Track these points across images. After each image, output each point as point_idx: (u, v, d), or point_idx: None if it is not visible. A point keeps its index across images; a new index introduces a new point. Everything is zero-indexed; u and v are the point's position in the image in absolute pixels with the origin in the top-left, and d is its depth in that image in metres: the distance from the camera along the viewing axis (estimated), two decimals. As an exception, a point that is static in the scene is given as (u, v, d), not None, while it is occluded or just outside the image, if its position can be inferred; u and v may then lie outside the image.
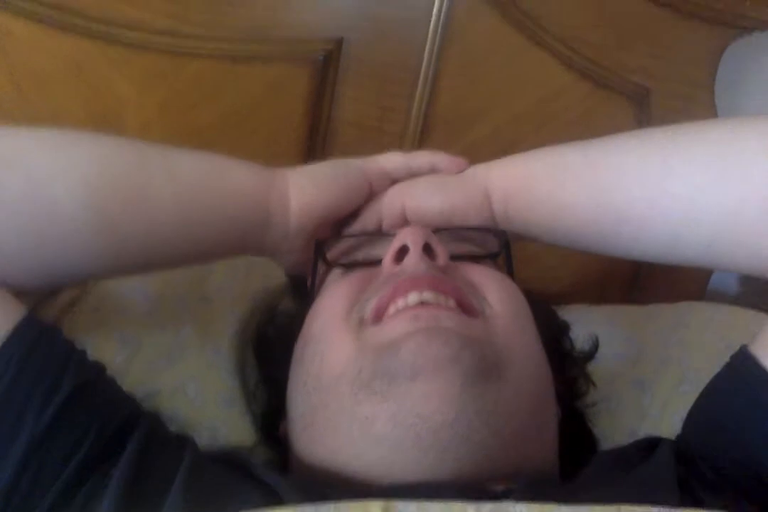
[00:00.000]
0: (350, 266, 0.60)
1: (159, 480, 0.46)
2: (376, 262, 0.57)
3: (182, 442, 0.53)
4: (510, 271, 0.60)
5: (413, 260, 0.54)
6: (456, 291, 0.53)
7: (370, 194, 0.63)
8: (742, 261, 0.52)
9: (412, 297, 0.51)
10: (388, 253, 0.56)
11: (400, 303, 0.51)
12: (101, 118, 0.82)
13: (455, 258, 0.57)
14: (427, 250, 0.55)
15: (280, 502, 0.43)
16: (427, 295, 0.51)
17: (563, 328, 0.70)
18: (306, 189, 0.60)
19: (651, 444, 0.53)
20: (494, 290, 0.55)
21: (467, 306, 0.53)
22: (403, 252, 0.55)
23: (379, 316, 0.52)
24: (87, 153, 0.53)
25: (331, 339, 0.52)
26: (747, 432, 0.48)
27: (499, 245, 0.60)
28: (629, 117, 0.93)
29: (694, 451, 0.50)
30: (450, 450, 0.46)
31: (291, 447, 0.55)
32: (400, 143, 0.90)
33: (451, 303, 0.52)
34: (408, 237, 0.55)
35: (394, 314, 0.51)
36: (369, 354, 0.49)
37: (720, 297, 0.90)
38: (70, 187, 0.51)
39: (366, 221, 0.62)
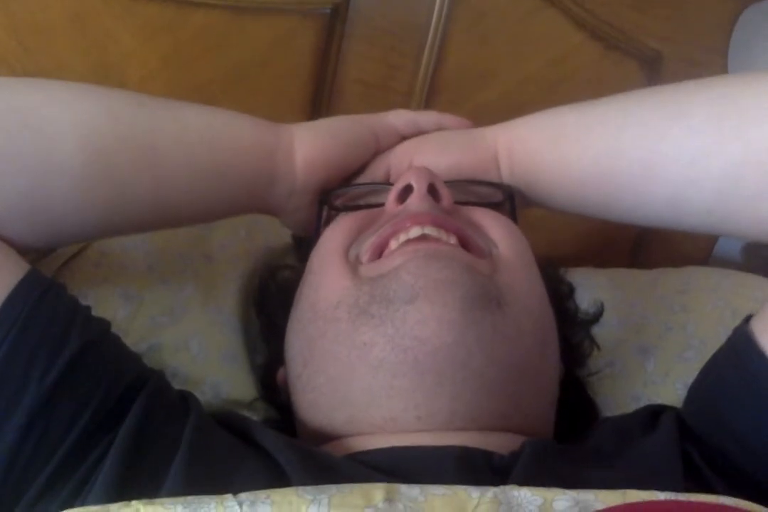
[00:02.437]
0: (353, 209, 0.59)
1: (161, 449, 0.45)
2: (380, 206, 0.57)
3: (186, 406, 0.52)
4: (514, 222, 0.59)
5: (417, 199, 0.53)
6: (459, 230, 0.53)
7: (377, 151, 0.62)
8: (744, 226, 0.51)
9: (414, 231, 0.51)
10: (391, 192, 0.56)
11: (402, 237, 0.52)
12: (103, 71, 0.80)
13: (460, 203, 0.57)
14: (432, 191, 0.54)
15: (282, 474, 0.43)
16: (430, 230, 0.51)
17: (568, 290, 0.70)
18: (311, 143, 0.59)
19: (654, 413, 0.53)
20: (498, 230, 0.55)
21: (472, 246, 0.53)
22: (406, 192, 0.55)
23: (377, 253, 0.52)
24: (97, 109, 0.52)
25: (328, 273, 0.52)
26: (739, 416, 0.47)
27: (504, 196, 0.59)
28: (641, 80, 0.92)
29: (695, 427, 0.50)
30: (448, 375, 0.46)
31: (290, 392, 0.55)
32: (406, 102, 0.89)
33: (453, 240, 0.52)
34: (412, 177, 0.54)
35: (394, 249, 0.51)
36: (366, 284, 0.49)
37: (725, 264, 0.89)
38: (81, 143, 0.50)
39: (373, 174, 0.62)
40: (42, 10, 0.76)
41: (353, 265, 0.53)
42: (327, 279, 0.52)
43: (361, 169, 0.62)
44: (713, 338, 0.64)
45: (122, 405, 0.47)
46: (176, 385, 0.56)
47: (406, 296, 0.47)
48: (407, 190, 0.55)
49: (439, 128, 0.63)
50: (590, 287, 0.76)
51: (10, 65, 0.77)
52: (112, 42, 0.80)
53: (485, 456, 0.45)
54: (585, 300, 0.72)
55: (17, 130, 0.49)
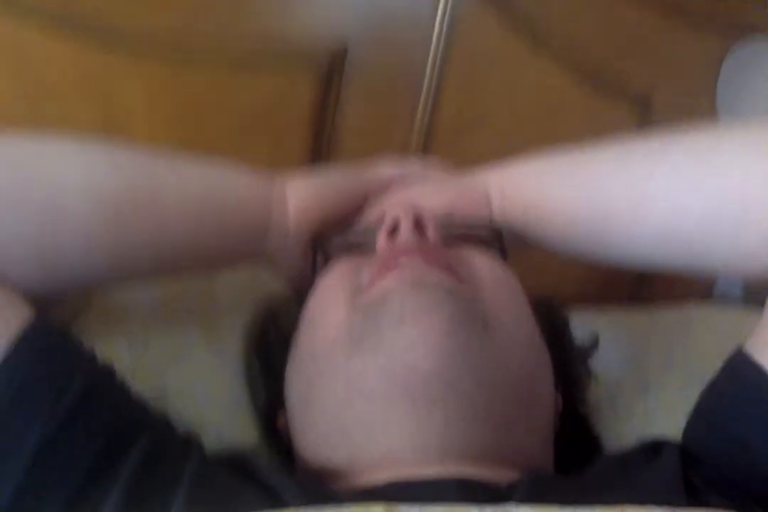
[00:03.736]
0: (347, 252, 0.61)
1: (163, 488, 0.46)
2: (372, 248, 0.58)
3: (188, 447, 0.53)
4: (504, 261, 0.61)
5: (404, 234, 0.55)
6: (445, 260, 0.54)
7: (367, 198, 0.65)
8: (726, 260, 0.54)
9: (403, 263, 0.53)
10: (380, 231, 0.58)
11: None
12: (108, 127, 0.82)
13: (447, 243, 0.58)
14: (419, 227, 0.56)
15: (284, 506, 0.43)
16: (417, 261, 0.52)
17: (562, 322, 0.70)
18: (303, 192, 0.62)
19: (656, 447, 0.53)
20: (484, 266, 0.57)
21: (456, 275, 0.54)
22: (396, 231, 0.57)
23: (372, 282, 0.54)
24: (104, 162, 0.55)
25: (327, 309, 0.54)
26: (748, 433, 0.48)
27: (492, 235, 0.61)
28: (631, 123, 0.94)
29: (698, 453, 0.50)
30: (438, 401, 0.47)
31: (291, 435, 0.55)
32: (404, 148, 0.91)
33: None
34: (398, 213, 0.57)
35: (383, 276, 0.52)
36: (359, 313, 0.50)
37: (726, 301, 0.90)
38: (88, 195, 0.53)
39: (368, 220, 0.64)
40: (49, 68, 0.79)
41: (351, 296, 0.54)
42: (325, 318, 0.53)
43: (357, 216, 0.65)
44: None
45: (125, 446, 0.48)
46: (180, 429, 0.56)
47: (393, 322, 0.48)
48: (396, 228, 0.56)
49: (427, 175, 0.66)
50: (591, 326, 0.76)
51: (16, 122, 0.79)
52: (118, 99, 0.82)
53: (484, 486, 0.45)
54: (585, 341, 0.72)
55: (25, 181, 0.51)
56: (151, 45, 0.80)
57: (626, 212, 0.56)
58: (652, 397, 0.70)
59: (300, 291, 0.64)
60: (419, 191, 0.63)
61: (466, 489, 0.44)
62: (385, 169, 0.66)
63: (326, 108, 0.89)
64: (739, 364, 0.51)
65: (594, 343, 0.69)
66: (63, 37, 0.77)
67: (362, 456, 0.49)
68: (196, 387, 0.65)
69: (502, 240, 0.61)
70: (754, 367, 0.49)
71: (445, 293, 0.49)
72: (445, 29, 0.87)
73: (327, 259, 0.62)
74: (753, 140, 0.53)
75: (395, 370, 0.47)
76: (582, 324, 0.73)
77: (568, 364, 0.66)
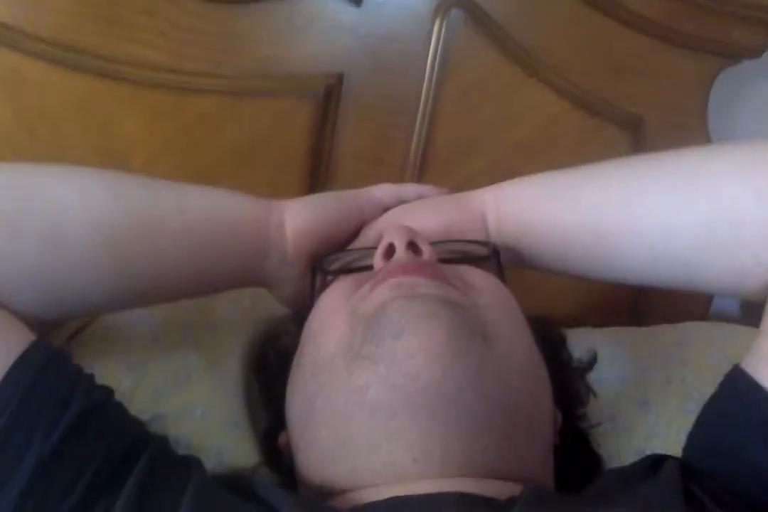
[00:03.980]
0: (346, 272, 0.62)
1: (165, 507, 0.46)
2: (370, 268, 0.59)
3: (188, 468, 0.53)
4: (501, 279, 0.61)
5: (399, 253, 0.56)
6: (441, 274, 0.54)
7: (363, 221, 0.66)
8: (719, 279, 0.55)
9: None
10: (377, 251, 0.58)
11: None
12: (107, 155, 0.84)
13: (445, 261, 0.59)
14: (413, 247, 0.57)
15: None
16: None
17: (559, 339, 0.70)
18: (300, 215, 0.63)
19: (656, 462, 0.53)
20: (481, 281, 0.57)
21: (453, 287, 0.54)
22: (392, 250, 0.57)
23: (370, 294, 0.54)
24: (102, 187, 0.56)
25: (328, 323, 0.54)
26: (749, 446, 0.48)
27: (488, 252, 0.62)
28: (623, 145, 0.95)
29: (699, 467, 0.50)
30: (440, 412, 0.47)
31: (293, 453, 0.55)
32: (400, 174, 0.92)
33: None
34: (393, 234, 0.57)
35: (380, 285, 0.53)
36: (359, 325, 0.51)
37: (723, 320, 0.90)
38: (87, 220, 0.54)
39: (366, 240, 0.65)
40: (49, 96, 0.81)
41: (352, 309, 0.54)
42: (327, 331, 0.53)
43: (354, 237, 0.65)
44: (712, 389, 0.64)
45: (122, 469, 0.48)
46: (180, 452, 0.56)
47: (393, 333, 0.48)
48: (392, 248, 0.57)
49: (420, 198, 0.67)
50: (589, 345, 0.76)
51: (16, 151, 0.81)
52: (117, 127, 0.83)
53: (484, 500, 0.45)
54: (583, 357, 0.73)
55: (25, 207, 0.52)
56: (150, 73, 0.82)
57: (618, 231, 0.57)
58: (652, 413, 0.70)
59: (298, 313, 0.64)
60: (415, 211, 0.64)
61: (466, 504, 0.44)
62: (381, 191, 0.67)
63: (323, 134, 0.91)
64: (737, 380, 0.51)
65: (592, 360, 0.70)
66: (62, 65, 0.79)
67: (364, 469, 0.48)
68: (195, 409, 0.65)
69: (498, 258, 0.61)
70: (751, 383, 0.49)
71: (443, 303, 0.50)
72: (439, 57, 0.89)
73: (325, 281, 0.62)
74: (742, 160, 0.54)
75: (396, 380, 0.47)
76: (580, 342, 0.74)
77: (567, 380, 0.66)
